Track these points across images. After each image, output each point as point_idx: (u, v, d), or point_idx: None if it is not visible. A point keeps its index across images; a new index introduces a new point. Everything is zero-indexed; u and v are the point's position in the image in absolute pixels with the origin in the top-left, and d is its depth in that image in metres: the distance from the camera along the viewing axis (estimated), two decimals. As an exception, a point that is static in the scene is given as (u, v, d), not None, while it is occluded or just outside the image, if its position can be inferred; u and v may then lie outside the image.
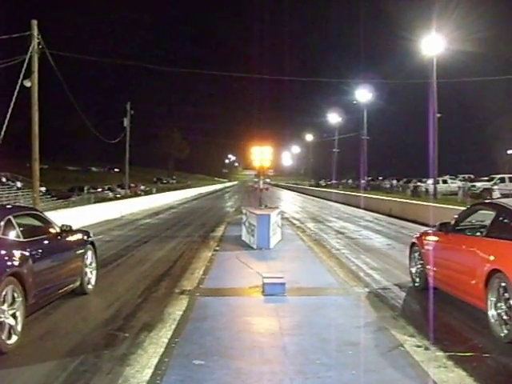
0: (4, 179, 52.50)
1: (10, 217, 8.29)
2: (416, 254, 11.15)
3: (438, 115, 40.95)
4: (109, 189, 68.49)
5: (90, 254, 10.93)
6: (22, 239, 8.23)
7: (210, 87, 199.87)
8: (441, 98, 41.32)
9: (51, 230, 9.60)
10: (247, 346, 7.27)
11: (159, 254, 16.48)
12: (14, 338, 7.21)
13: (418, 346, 7.26)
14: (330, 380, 6.12)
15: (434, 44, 40.25)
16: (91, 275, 10.88)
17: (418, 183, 55.37)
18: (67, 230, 10.07)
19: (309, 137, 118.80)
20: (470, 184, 44.76)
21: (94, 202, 43.75)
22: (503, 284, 7.32)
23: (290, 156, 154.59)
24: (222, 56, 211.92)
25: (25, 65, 25.62)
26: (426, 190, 46.30)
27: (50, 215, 21.63)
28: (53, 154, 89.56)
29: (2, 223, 7.94)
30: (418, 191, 49.48)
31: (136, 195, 60.82)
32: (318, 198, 62.04)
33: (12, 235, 8.08)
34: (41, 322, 8.61)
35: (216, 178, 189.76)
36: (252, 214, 17.58)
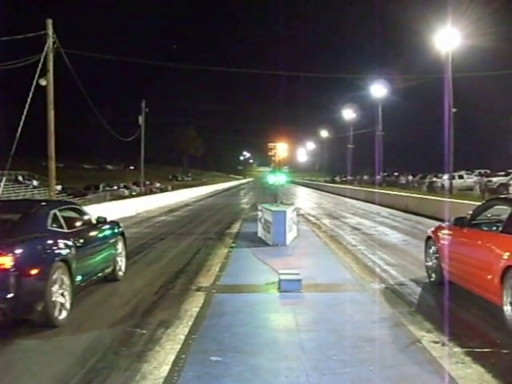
0: (20, 178, 52.96)
1: (56, 210, 9.49)
2: (432, 249, 11.15)
3: (454, 110, 40.70)
4: (124, 186, 68.96)
5: (120, 243, 12.12)
6: (66, 230, 9.37)
7: (225, 84, 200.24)
8: (456, 93, 41.10)
9: (89, 222, 10.72)
10: (264, 343, 7.28)
11: (175, 251, 16.52)
12: (64, 314, 8.44)
13: (436, 342, 7.23)
14: (348, 376, 6.12)
15: (449, 38, 39.98)
16: (121, 263, 12.05)
17: (434, 179, 55.15)
18: (102, 222, 11.21)
19: (324, 133, 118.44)
20: (486, 179, 44.44)
21: (110, 200, 44.04)
22: None
23: (305, 152, 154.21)
24: (239, 53, 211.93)
25: (40, 64, 25.79)
26: (442, 186, 46.10)
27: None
28: (69, 152, 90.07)
29: (50, 216, 9.14)
30: (433, 187, 49.29)
31: (151, 193, 61.01)
32: (334, 194, 61.88)
33: (56, 227, 9.19)
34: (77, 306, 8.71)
35: (231, 175, 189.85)
36: (268, 211, 17.59)
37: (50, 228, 9.00)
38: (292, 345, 7.21)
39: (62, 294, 8.41)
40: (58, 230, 9.18)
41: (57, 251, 8.56)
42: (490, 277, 8.12)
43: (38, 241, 8.44)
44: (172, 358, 6.73)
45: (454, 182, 43.13)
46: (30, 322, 7.99)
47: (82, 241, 9.55)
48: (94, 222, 10.90)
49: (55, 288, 8.15)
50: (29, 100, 25.46)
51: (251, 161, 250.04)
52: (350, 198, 49.98)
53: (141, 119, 57.27)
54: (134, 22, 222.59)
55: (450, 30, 39.56)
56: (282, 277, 10.50)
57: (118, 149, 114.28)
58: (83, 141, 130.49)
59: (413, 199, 32.89)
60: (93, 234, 10.57)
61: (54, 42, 26.58)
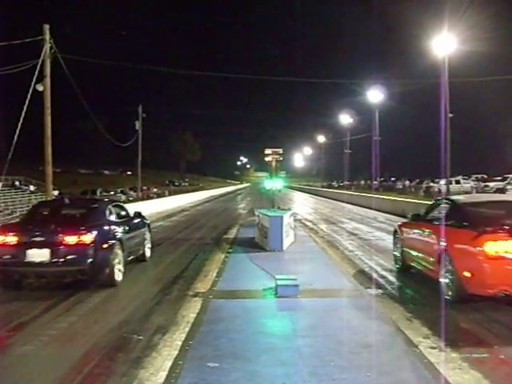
0: (17, 183, 52.83)
1: (110, 206, 13.33)
2: (397, 240, 13.74)
3: (451, 115, 40.70)
4: (121, 192, 68.75)
5: (148, 233, 15.78)
6: (117, 220, 13.09)
7: (221, 89, 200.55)
8: (453, 98, 41.03)
9: (128, 215, 14.35)
10: (261, 348, 7.25)
11: (172, 257, 16.53)
12: (120, 277, 12.12)
13: (433, 348, 7.24)
14: (345, 382, 6.10)
15: (445, 44, 40.01)
16: (148, 248, 15.67)
17: (431, 184, 55.16)
18: (137, 215, 14.96)
19: (321, 138, 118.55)
20: (483, 184, 44.46)
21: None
22: (448, 259, 9.88)
23: (302, 157, 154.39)
24: (236, 59, 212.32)
25: (37, 69, 25.76)
26: (439, 191, 46.06)
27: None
28: (65, 157, 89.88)
29: (107, 210, 12.85)
30: (430, 192, 49.30)
31: (148, 198, 60.98)
32: (331, 199, 61.95)
33: (112, 217, 12.90)
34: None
35: (228, 180, 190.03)
36: (264, 216, 17.57)
37: (108, 218, 12.60)
38: (289, 351, 7.19)
39: (119, 263, 12.04)
40: (112, 219, 12.82)
41: (115, 233, 12.29)
42: (432, 259, 10.81)
43: (104, 226, 12.12)
44: (169, 364, 6.72)
45: (450, 186, 43.10)
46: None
47: (127, 228, 13.22)
48: (131, 215, 14.61)
49: (116, 259, 11.87)
50: (26, 105, 25.41)
51: (248, 166, 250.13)
52: (347, 203, 50.08)
53: (138, 124, 57.22)
54: (131, 26, 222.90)
55: (447, 35, 39.59)
56: (279, 282, 10.48)
57: (115, 154, 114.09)
58: (80, 146, 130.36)
59: (410, 204, 32.91)
60: (132, 223, 14.17)
61: (51, 48, 26.55)
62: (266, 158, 23.69)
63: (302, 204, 54.58)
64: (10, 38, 26.49)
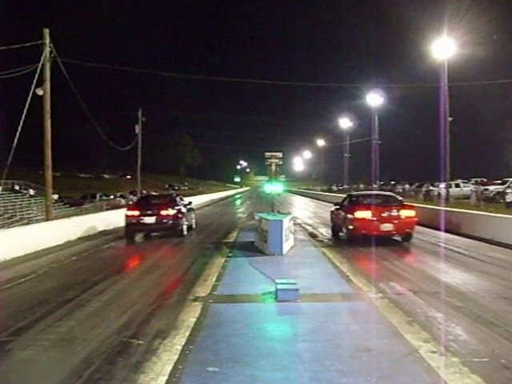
0: (17, 187, 52.75)
1: (178, 197, 25.55)
2: (331, 217, 23.97)
3: (450, 118, 40.77)
4: (121, 196, 68.79)
5: (193, 214, 27.36)
6: (181, 204, 24.71)
7: (221, 94, 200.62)
8: (452, 102, 41.18)
9: (184, 203, 25.47)
10: (262, 353, 7.24)
11: (172, 261, 16.56)
12: (185, 232, 23.86)
13: (434, 352, 7.22)
14: (345, 387, 6.10)
15: (444, 48, 40.12)
16: (193, 224, 27.06)
17: (431, 187, 55.11)
18: (189, 203, 26.29)
19: (320, 142, 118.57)
20: (482, 187, 44.40)
21: (107, 209, 43.95)
22: (345, 221, 20.01)
23: (301, 161, 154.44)
24: (236, 63, 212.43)
25: (37, 73, 25.77)
26: (439, 194, 46.06)
27: (63, 224, 21.83)
28: (65, 161, 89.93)
29: (179, 198, 25.46)
30: (430, 195, 49.30)
31: (148, 202, 60.82)
32: (331, 203, 61.67)
33: (180, 203, 24.63)
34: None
35: (228, 184, 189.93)
36: (264, 220, 17.58)
37: (178, 203, 24.10)
38: (289, 355, 7.18)
39: (183, 225, 23.50)
40: (180, 204, 24.36)
41: (181, 210, 23.68)
42: (340, 222, 20.91)
43: (177, 206, 23.61)
44: (169, 368, 6.71)
45: (450, 190, 43.18)
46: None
47: (186, 209, 24.82)
48: (186, 202, 25.94)
49: (183, 223, 23.41)
50: (25, 109, 25.42)
51: (248, 170, 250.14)
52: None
53: (137, 128, 57.19)
54: (130, 32, 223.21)
55: (446, 40, 39.71)
56: (279, 286, 10.47)
57: (114, 158, 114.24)
58: (80, 150, 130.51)
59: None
60: (187, 207, 25.68)
61: (51, 52, 26.55)
62: (266, 162, 23.68)
63: (302, 208, 54.50)
64: (9, 43, 26.53)
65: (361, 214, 18.93)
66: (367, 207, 19.27)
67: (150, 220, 22.19)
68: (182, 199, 25.44)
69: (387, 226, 18.81)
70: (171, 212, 22.59)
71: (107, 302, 10.79)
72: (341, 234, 20.92)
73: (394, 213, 19.19)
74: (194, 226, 26.74)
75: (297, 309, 9.76)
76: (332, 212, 23.35)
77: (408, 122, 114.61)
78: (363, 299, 10.51)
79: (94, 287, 12.36)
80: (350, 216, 19.25)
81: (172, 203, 23.62)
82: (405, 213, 19.41)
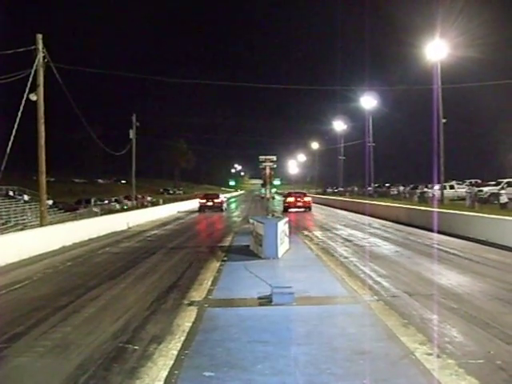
0: (11, 193, 52.55)
1: (222, 194, 68.35)
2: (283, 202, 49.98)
3: (444, 120, 40.84)
4: (116, 200, 68.54)
5: (226, 203, 59.36)
6: (224, 197, 60.71)
7: (215, 97, 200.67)
8: (446, 104, 41.23)
9: (221, 197, 56.47)
10: (257, 357, 7.22)
11: (167, 266, 16.49)
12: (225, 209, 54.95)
13: (429, 354, 7.23)
14: (341, 390, 6.10)
15: (437, 50, 40.22)
16: (225, 206, 57.48)
17: (425, 189, 55.13)
18: (227, 198, 73.16)
19: (315, 145, 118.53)
20: (476, 189, 44.42)
21: (101, 214, 43.88)
22: (283, 204, 52.56)
23: (296, 164, 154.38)
24: (228, 66, 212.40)
25: (30, 79, 25.71)
26: (433, 196, 46.08)
27: (57, 229, 21.79)
28: (59, 166, 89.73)
29: (221, 195, 61.67)
30: (425, 197, 49.32)
31: (143, 206, 60.79)
32: (325, 205, 61.85)
33: (222, 196, 60.39)
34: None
35: (223, 188, 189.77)
36: (259, 224, 17.57)
37: (222, 196, 59.14)
38: (285, 359, 7.16)
39: (226, 208, 56.65)
40: (223, 197, 60.27)
41: (224, 200, 57.38)
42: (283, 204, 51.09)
43: (222, 198, 56.90)
44: (164, 374, 6.70)
45: (445, 192, 43.21)
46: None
47: (226, 199, 65.50)
48: (224, 196, 64.57)
49: (226, 206, 57.58)
50: (19, 115, 25.35)
51: (242, 173, 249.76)
52: (341, 209, 50.11)
53: (132, 133, 57.13)
54: (124, 37, 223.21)
55: (439, 42, 39.83)
56: (275, 290, 10.46)
57: (109, 163, 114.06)
58: (74, 155, 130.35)
59: (404, 210, 32.93)
60: (225, 198, 65.54)
61: (44, 57, 26.49)
62: (260, 166, 23.68)
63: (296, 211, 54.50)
64: (2, 48, 26.46)
65: (289, 199, 49.51)
66: (291, 196, 49.95)
67: (210, 203, 52.09)
68: (223, 195, 63.01)
69: (299, 204, 48.21)
70: (218, 200, 53.02)
71: (102, 308, 10.77)
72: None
73: (302, 199, 48.66)
74: (225, 206, 56.15)
75: (292, 312, 9.75)
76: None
77: (402, 124, 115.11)
78: (359, 302, 10.50)
79: (89, 292, 12.35)
80: (285, 200, 49.73)
81: (218, 197, 54.78)
82: (306, 198, 49.62)
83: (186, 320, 9.40)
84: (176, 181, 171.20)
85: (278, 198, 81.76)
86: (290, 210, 46.58)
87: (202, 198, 53.67)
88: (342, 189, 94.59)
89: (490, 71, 54.34)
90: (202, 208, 51.09)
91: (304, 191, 64.30)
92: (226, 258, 17.19)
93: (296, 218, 38.21)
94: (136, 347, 7.95)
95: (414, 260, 16.40)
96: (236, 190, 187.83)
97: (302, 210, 47.43)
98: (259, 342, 8.01)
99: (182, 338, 8.24)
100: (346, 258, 17.29)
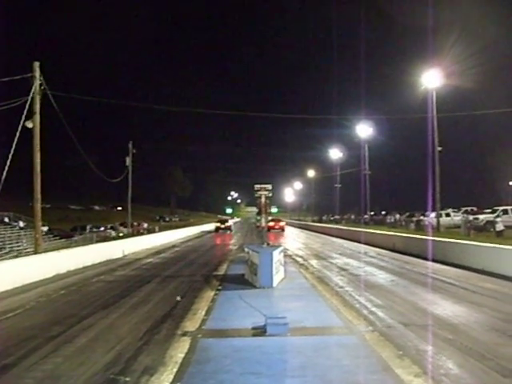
0: (6, 219, 52.41)
1: (229, 218, 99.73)
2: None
3: (439, 148, 41.04)
4: (111, 228, 68.40)
5: (233, 224, 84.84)
6: (230, 221, 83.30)
7: (212, 126, 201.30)
8: (441, 132, 41.45)
9: (230, 222, 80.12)
10: (250, 390, 7.14)
11: (161, 295, 16.38)
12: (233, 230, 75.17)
13: (424, 387, 7.15)
14: (335, 424, 6.02)
15: (432, 79, 40.61)
16: (233, 227, 78.83)
17: (421, 217, 55.15)
18: (231, 221, 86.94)
19: (311, 172, 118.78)
20: (471, 217, 44.46)
21: (97, 242, 43.70)
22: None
23: (292, 192, 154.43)
24: (224, 94, 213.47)
25: (27, 106, 25.74)
26: (430, 224, 46.06)
27: (52, 256, 21.64)
28: (56, 192, 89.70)
29: (230, 219, 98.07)
30: (421, 225, 49.29)
31: (139, 234, 60.66)
32: (322, 233, 61.82)
33: (230, 220, 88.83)
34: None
35: (219, 216, 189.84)
36: (254, 253, 17.49)
37: (230, 220, 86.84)
38: (279, 391, 7.07)
39: (233, 228, 77.05)
40: (231, 221, 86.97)
41: (232, 223, 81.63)
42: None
43: (230, 222, 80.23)
44: (156, 406, 6.60)
45: (441, 220, 43.25)
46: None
47: (233, 223, 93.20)
48: (232, 221, 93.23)
49: (232, 227, 77.82)
50: (15, 142, 25.34)
51: (239, 201, 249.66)
52: (337, 237, 50.01)
53: (128, 160, 57.23)
54: (122, 63, 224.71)
55: (434, 71, 40.25)
56: (269, 321, 10.39)
57: (105, 189, 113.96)
58: (71, 181, 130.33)
59: (400, 238, 32.89)
60: (233, 222, 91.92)
61: (40, 84, 26.57)
62: (255, 194, 23.69)
63: (293, 239, 54.38)
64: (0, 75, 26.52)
65: (270, 223, 59.56)
66: (272, 221, 66.48)
67: (222, 226, 71.77)
68: (229, 220, 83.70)
69: (276, 227, 70.39)
70: (228, 224, 73.77)
71: (95, 338, 10.66)
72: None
73: (278, 223, 72.54)
74: (233, 228, 74.77)
75: (286, 343, 9.66)
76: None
77: (398, 152, 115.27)
78: (353, 332, 10.42)
79: (81, 322, 12.24)
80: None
81: (227, 221, 76.27)
82: (281, 223, 74.76)
83: (179, 351, 9.30)
84: (172, 208, 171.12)
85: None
86: (270, 230, 61.53)
87: (217, 223, 76.26)
88: (338, 217, 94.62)
89: (485, 99, 54.73)
90: (217, 228, 72.67)
91: (280, 218, 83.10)
92: (220, 287, 17.09)
93: (291, 246, 38.13)
94: (127, 379, 7.85)
95: (410, 289, 16.32)
96: (232, 218, 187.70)
97: (279, 230, 70.94)
98: (252, 373, 7.92)
99: (175, 370, 8.14)
100: (341, 287, 17.20)
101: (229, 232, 71.09)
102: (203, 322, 11.71)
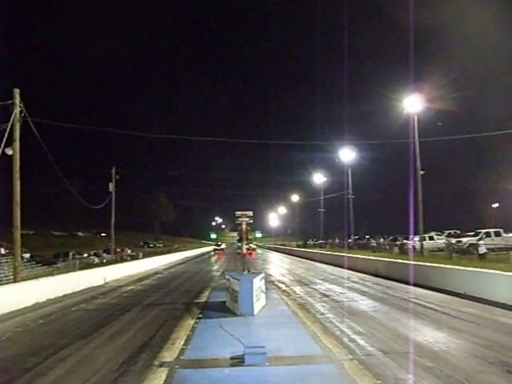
0: (-13, 246, 51.95)
1: (222, 243, 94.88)
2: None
3: (422, 172, 41.33)
4: (94, 254, 67.85)
5: (225, 247, 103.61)
6: (223, 244, 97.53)
7: (195, 151, 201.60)
8: (423, 156, 41.78)
9: (222, 245, 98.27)
10: (225, 423, 7.01)
11: (141, 323, 16.18)
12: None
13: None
14: None
15: (414, 104, 41.09)
16: (225, 249, 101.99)
17: (405, 241, 55.27)
18: (223, 245, 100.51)
19: (295, 197, 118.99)
20: (454, 240, 44.68)
21: (79, 269, 43.33)
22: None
23: (276, 217, 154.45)
24: (206, 119, 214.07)
25: (6, 133, 25.57)
26: (413, 248, 46.17)
27: (31, 285, 21.33)
28: (39, 219, 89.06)
29: (223, 244, 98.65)
30: (404, 249, 49.39)
31: (122, 260, 60.29)
32: (305, 258, 61.74)
33: (223, 244, 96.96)
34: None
35: (203, 241, 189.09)
36: (235, 280, 17.37)
37: (222, 244, 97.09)
38: (254, 425, 6.95)
39: (224, 248, 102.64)
40: (223, 244, 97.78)
41: (224, 246, 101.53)
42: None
43: (223, 246, 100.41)
44: None
45: (424, 243, 43.37)
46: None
47: (225, 245, 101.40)
48: (223, 244, 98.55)
49: (225, 248, 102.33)
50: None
51: (223, 226, 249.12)
52: (321, 262, 49.95)
53: (111, 186, 56.98)
54: (104, 87, 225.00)
55: (415, 97, 40.78)
56: (247, 350, 10.28)
57: (89, 215, 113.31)
58: (53, 207, 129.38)
59: (382, 263, 32.81)
60: (224, 245, 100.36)
61: (21, 111, 26.45)
62: (236, 221, 23.64)
63: (276, 264, 54.26)
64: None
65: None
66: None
67: (218, 248, 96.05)
68: (222, 244, 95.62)
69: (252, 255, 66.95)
70: (222, 246, 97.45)
71: (70, 370, 10.46)
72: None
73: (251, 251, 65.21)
74: (225, 248, 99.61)
75: (264, 373, 9.54)
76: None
77: (381, 176, 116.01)
78: (333, 361, 10.31)
79: (58, 353, 12.04)
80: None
81: (221, 245, 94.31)
82: (253, 246, 67.43)
83: (156, 382, 9.18)
84: (156, 234, 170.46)
85: (259, 251, 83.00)
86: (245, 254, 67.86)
87: (214, 246, 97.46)
88: (322, 241, 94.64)
89: (466, 123, 55.24)
90: (215, 250, 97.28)
91: (253, 245, 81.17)
92: (201, 315, 16.90)
93: (274, 272, 38.00)
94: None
95: (391, 315, 16.24)
96: (216, 243, 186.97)
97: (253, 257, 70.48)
98: (228, 406, 7.79)
99: (149, 403, 7.99)
100: (322, 314, 17.09)
101: (222, 252, 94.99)
102: (181, 351, 11.56)
